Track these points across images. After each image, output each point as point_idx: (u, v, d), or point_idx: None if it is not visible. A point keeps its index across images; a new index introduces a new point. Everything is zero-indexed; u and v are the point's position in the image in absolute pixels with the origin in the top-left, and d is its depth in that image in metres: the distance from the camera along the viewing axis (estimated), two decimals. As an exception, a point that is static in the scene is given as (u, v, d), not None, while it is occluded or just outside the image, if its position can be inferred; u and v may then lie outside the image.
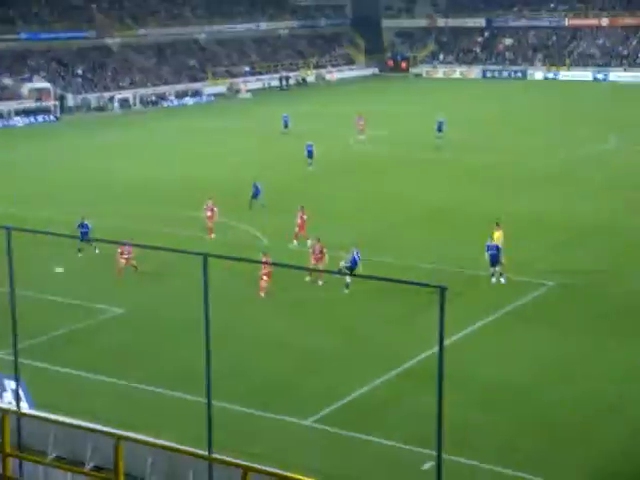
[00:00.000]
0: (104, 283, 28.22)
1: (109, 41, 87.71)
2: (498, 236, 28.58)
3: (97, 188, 42.49)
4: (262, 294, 26.37)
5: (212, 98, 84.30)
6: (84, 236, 29.12)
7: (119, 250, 28.24)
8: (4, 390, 17.13)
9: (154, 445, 13.54)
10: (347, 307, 25.77)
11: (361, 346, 23.01)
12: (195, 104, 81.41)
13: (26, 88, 74.19)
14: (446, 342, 11.82)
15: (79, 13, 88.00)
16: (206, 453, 13.07)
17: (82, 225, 30.22)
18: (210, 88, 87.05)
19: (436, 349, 12.03)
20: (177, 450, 13.54)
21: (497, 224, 29.18)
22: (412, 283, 12.62)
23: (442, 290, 11.22)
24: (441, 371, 11.50)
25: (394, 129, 59.38)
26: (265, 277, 26.41)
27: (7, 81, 75.11)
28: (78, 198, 39.75)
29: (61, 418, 15.17)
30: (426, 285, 12.18)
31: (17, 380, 15.91)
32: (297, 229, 31.96)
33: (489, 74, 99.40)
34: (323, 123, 62.83)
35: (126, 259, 28.46)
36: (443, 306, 11.22)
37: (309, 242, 30.63)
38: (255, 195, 37.70)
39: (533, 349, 22.57)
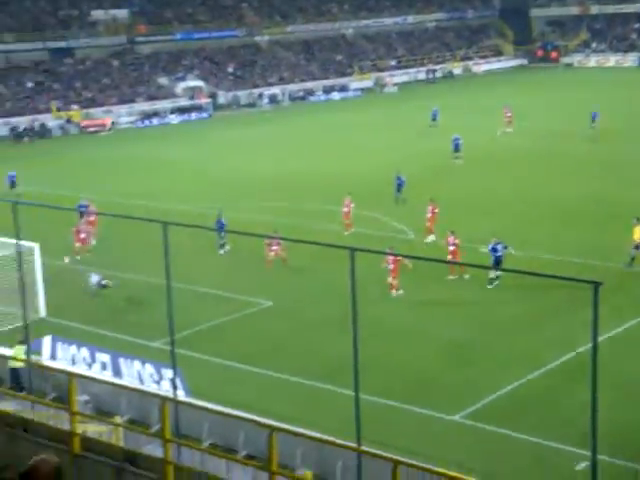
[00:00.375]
0: (253, 276, 28.93)
1: (258, 39, 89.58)
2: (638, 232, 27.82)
3: (245, 182, 43.51)
4: (393, 292, 26.29)
5: (358, 93, 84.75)
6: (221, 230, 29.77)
7: (266, 242, 28.87)
8: (162, 378, 17.92)
9: (305, 436, 13.83)
10: (492, 302, 25.46)
11: (507, 342, 22.72)
12: (342, 99, 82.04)
13: (180, 87, 76.80)
14: (599, 339, 11.53)
15: (230, 12, 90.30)
16: (355, 445, 13.25)
17: (219, 222, 30.74)
18: (356, 83, 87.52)
19: (586, 347, 11.78)
20: (326, 442, 13.78)
21: (638, 219, 28.24)
22: (564, 278, 12.33)
23: (596, 285, 10.90)
24: (595, 369, 11.22)
25: (542, 121, 58.03)
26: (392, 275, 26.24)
27: (163, 80, 77.94)
28: (226, 192, 40.86)
29: (215, 407, 15.72)
30: (580, 280, 11.86)
31: (174, 369, 16.57)
32: (428, 223, 31.83)
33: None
34: (470, 115, 62.06)
35: (274, 251, 29.11)
36: (597, 302, 10.93)
37: (431, 237, 30.71)
38: (399, 188, 37.76)
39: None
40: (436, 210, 31.82)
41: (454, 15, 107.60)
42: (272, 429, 11.40)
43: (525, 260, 27.25)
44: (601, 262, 27.94)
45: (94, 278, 27.88)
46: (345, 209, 33.81)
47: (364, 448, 13.17)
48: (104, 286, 27.81)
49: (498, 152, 48.76)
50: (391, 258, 25.54)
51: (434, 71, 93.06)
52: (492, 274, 26.26)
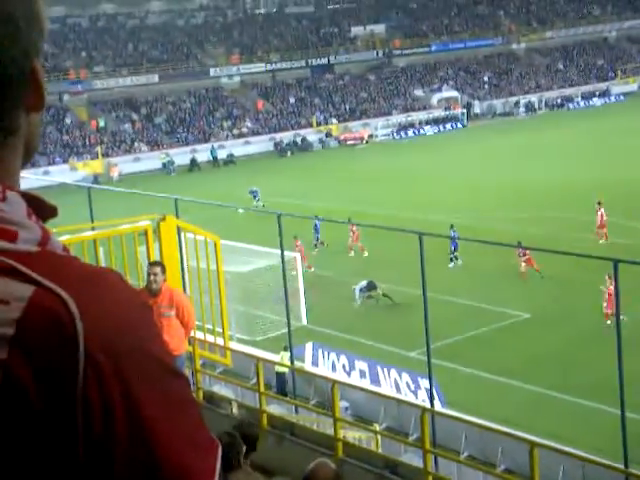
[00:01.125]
0: (507, 287, 28.43)
1: (515, 46, 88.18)
2: None
3: (499, 192, 42.92)
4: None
5: (621, 97, 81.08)
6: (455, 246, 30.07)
7: (517, 252, 28.40)
8: (418, 388, 18.05)
9: (567, 454, 13.40)
10: None
11: None
12: (603, 104, 78.88)
13: (435, 98, 77.19)
14: None
15: (486, 21, 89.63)
16: (622, 467, 12.66)
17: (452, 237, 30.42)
18: (619, 87, 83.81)
19: None
20: (591, 461, 13.27)
21: None
22: None
23: None
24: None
25: None
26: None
27: (418, 92, 78.71)
28: (481, 202, 40.51)
29: (472, 418, 15.60)
30: None
31: (430, 379, 16.63)
32: None
33: None
34: None
35: (526, 261, 28.57)
36: None
37: None
38: None
39: None
40: None
41: None
42: (533, 444, 11.14)
43: None
44: None
45: (360, 287, 28.55)
46: (598, 218, 33.31)
47: (632, 470, 12.54)
48: (370, 296, 28.36)
49: None
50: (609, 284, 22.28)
51: None
52: None
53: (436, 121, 73.07)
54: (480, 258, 30.01)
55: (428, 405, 16.34)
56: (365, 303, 28.34)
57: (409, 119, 73.15)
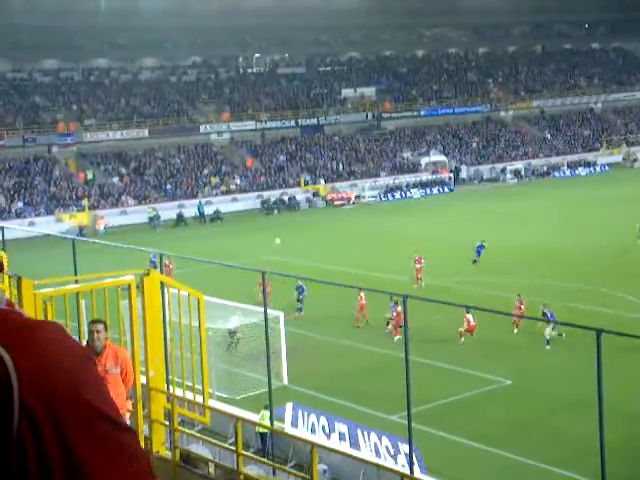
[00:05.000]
0: (491, 353, 28.40)
1: (503, 114, 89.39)
2: None
3: (484, 256, 43.12)
4: None
5: (606, 168, 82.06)
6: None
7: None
8: (398, 452, 17.88)
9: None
10: None
11: None
12: (588, 174, 79.79)
13: (423, 161, 77.91)
14: None
15: (475, 88, 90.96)
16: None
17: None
18: (604, 158, 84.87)
19: None
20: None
21: None
22: None
23: None
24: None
25: None
26: None
27: (406, 155, 79.45)
28: (468, 266, 40.65)
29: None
30: None
31: (410, 444, 16.49)
32: None
33: None
34: None
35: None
36: None
37: None
38: None
39: None
40: None
41: None
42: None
43: None
44: None
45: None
46: (417, 265, 36.70)
47: None
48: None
49: None
50: None
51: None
52: None
53: (423, 184, 73.59)
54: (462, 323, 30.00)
55: (408, 471, 16.20)
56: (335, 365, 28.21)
57: (397, 182, 73.67)
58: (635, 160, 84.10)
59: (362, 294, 31.43)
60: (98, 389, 1.10)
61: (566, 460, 19.80)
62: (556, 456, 20.16)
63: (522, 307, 29.93)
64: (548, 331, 28.28)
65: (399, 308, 28.34)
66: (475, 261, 41.37)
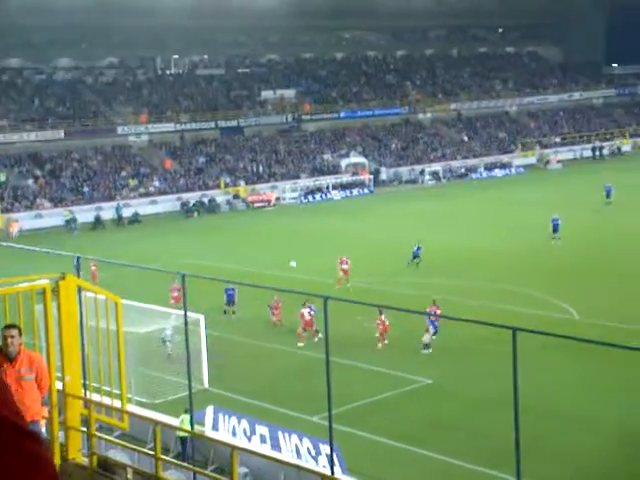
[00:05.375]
0: (412, 354, 28.65)
1: (421, 116, 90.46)
2: None
3: (398, 256, 43.52)
4: None
5: (521, 170, 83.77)
6: None
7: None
8: (319, 454, 17.88)
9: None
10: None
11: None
12: (504, 176, 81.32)
13: (343, 163, 78.28)
14: None
15: (394, 90, 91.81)
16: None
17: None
18: (519, 160, 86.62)
19: None
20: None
21: None
22: None
23: None
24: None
25: None
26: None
27: (326, 157, 79.73)
28: (385, 267, 40.96)
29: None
30: None
31: (331, 445, 16.50)
32: None
33: None
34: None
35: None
36: None
37: None
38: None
39: None
40: None
41: (623, 91, 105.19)
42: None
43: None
44: None
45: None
46: (344, 266, 36.96)
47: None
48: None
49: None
50: None
51: (601, 148, 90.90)
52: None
53: (344, 186, 73.93)
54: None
55: (329, 472, 16.21)
56: (260, 365, 28.13)
57: (317, 183, 73.86)
58: (548, 162, 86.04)
59: (276, 296, 31.36)
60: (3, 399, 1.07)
61: (486, 458, 20.07)
62: (476, 454, 20.43)
63: (438, 311, 29.05)
64: (427, 337, 28.47)
65: (382, 317, 28.55)
66: (412, 262, 41.05)
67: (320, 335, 28.50)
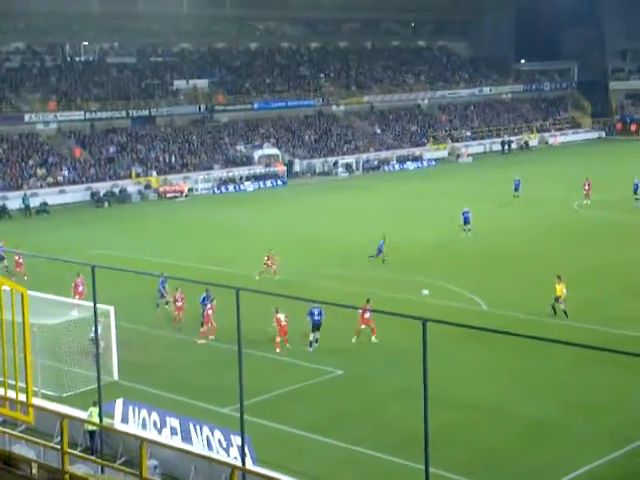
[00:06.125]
0: (323, 344, 28.74)
1: (334, 108, 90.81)
2: (559, 289, 30.07)
3: (312, 248, 43.70)
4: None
5: (433, 162, 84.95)
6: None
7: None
8: (230, 445, 17.82)
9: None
10: (563, 375, 24.81)
11: (582, 418, 22.08)
12: (416, 169, 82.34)
13: (257, 155, 78.05)
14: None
15: (307, 82, 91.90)
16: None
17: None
18: (431, 153, 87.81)
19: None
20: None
21: (558, 277, 30.48)
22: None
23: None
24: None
25: (620, 193, 57.19)
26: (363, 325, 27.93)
27: (240, 148, 79.36)
28: (301, 258, 41.06)
29: (283, 477, 15.57)
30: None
31: (242, 436, 16.48)
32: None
33: None
34: (545, 187, 61.62)
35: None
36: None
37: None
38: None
39: None
40: None
41: (531, 87, 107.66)
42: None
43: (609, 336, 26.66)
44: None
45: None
46: (269, 262, 37.00)
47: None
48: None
49: (577, 223, 48.35)
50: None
51: (509, 142, 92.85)
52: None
53: (257, 177, 73.75)
54: (295, 315, 30.23)
55: (240, 463, 16.19)
56: (171, 357, 27.90)
57: (230, 174, 73.47)
58: (459, 155, 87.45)
59: (179, 290, 31.02)
60: None
61: (395, 446, 20.33)
62: (385, 443, 20.67)
63: (366, 315, 28.14)
64: (313, 336, 28.26)
65: (279, 315, 27.88)
66: (374, 256, 40.11)
67: (288, 346, 28.02)
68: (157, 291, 33.20)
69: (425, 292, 31.21)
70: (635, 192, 53.69)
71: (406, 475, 18.72)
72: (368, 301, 27.73)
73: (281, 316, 27.96)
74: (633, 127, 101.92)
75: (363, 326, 28.44)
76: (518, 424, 21.88)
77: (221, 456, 17.51)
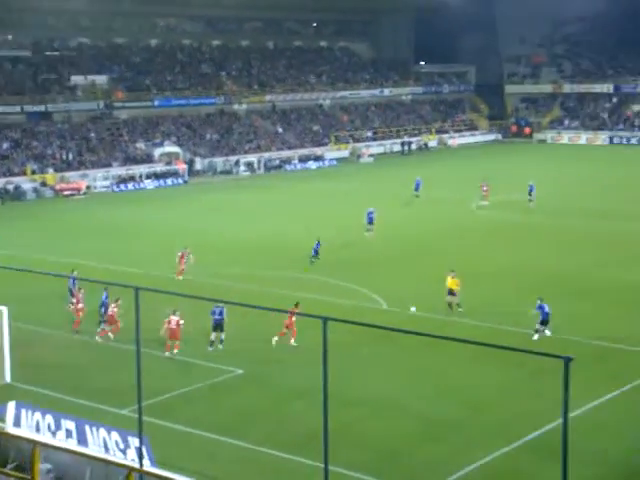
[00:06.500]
0: (224, 344, 28.57)
1: (236, 107, 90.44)
2: (452, 283, 30.93)
3: (213, 248, 43.43)
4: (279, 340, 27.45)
5: (334, 162, 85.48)
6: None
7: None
8: (128, 447, 17.49)
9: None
10: (462, 373, 25.27)
11: (479, 414, 22.54)
12: (317, 168, 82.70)
13: (157, 152, 77.09)
14: (570, 414, 11.43)
15: (209, 80, 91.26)
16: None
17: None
18: (332, 153, 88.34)
19: (557, 422, 11.67)
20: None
21: (452, 271, 31.29)
22: (535, 353, 12.31)
23: (567, 361, 10.86)
24: (565, 446, 11.10)
25: (516, 195, 58.67)
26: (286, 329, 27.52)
27: (140, 146, 78.23)
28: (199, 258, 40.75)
29: (182, 477, 15.39)
30: (550, 355, 11.79)
31: (140, 437, 16.21)
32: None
33: (617, 140, 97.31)
34: (444, 188, 62.76)
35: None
36: (568, 378, 10.87)
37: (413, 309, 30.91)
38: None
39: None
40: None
41: (430, 89, 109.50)
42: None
43: (500, 333, 27.27)
44: (577, 337, 28.02)
45: None
46: (183, 260, 36.65)
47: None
48: None
49: (474, 224, 49.36)
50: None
51: (409, 143, 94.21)
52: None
53: (157, 176, 72.87)
54: (194, 314, 29.94)
55: (137, 465, 15.94)
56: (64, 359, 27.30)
57: (129, 172, 72.37)
58: (360, 156, 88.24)
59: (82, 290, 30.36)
60: None
61: (296, 445, 20.34)
62: (287, 442, 20.66)
63: (293, 319, 27.58)
64: (214, 335, 27.96)
65: (173, 318, 27.26)
66: (313, 259, 39.41)
67: (176, 351, 27.39)
68: (68, 290, 32.25)
69: (413, 309, 31.05)
70: (530, 194, 55.14)
71: (307, 474, 18.75)
72: (297, 304, 27.29)
73: (174, 318, 27.10)
74: (527, 130, 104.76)
75: (285, 330, 28.13)
76: (416, 421, 22.19)
77: (118, 458, 17.19)
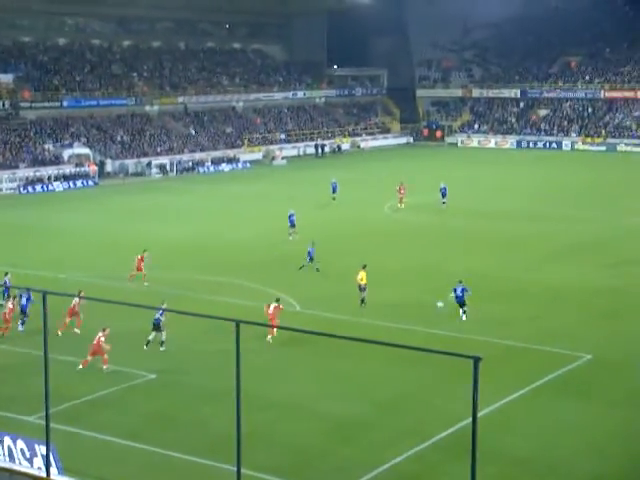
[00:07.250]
0: (134, 348, 28.16)
1: (148, 108, 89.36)
2: (362, 277, 32.06)
3: (124, 250, 42.81)
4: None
5: (247, 165, 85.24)
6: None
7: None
8: (35, 455, 17.07)
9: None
10: (374, 374, 25.47)
11: (390, 415, 22.73)
12: (231, 170, 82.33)
13: (66, 154, 75.58)
14: (479, 414, 11.60)
15: (120, 81, 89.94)
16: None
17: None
18: (246, 155, 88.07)
19: (467, 421, 11.83)
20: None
21: (363, 266, 32.47)
22: (444, 353, 12.45)
23: (476, 360, 11.01)
24: (474, 445, 11.26)
25: (428, 197, 59.50)
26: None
27: (48, 147, 76.58)
28: (104, 261, 40.11)
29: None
30: (459, 355, 11.95)
31: (47, 445, 15.84)
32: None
33: (524, 144, 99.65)
34: (358, 190, 63.22)
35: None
36: (477, 377, 11.01)
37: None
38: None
39: (569, 424, 22.13)
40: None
41: (343, 92, 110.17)
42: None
43: (408, 333, 27.55)
44: (485, 338, 28.52)
45: None
46: (142, 263, 36.05)
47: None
48: None
49: (388, 226, 49.87)
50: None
51: (323, 146, 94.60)
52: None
53: (66, 177, 71.43)
54: (109, 318, 29.42)
55: (44, 473, 15.57)
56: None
57: (37, 174, 70.75)
58: (274, 158, 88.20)
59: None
60: None
61: (208, 449, 20.17)
62: (199, 446, 20.47)
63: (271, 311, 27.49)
64: (156, 334, 27.91)
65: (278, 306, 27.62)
66: (308, 264, 38.18)
67: (105, 367, 26.22)
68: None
69: (440, 304, 30.68)
70: (443, 196, 55.86)
71: (219, 477, 18.61)
72: (278, 300, 28.38)
73: (99, 334, 25.92)
74: (438, 133, 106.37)
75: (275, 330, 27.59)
76: (328, 422, 22.24)
77: (24, 467, 16.75)
